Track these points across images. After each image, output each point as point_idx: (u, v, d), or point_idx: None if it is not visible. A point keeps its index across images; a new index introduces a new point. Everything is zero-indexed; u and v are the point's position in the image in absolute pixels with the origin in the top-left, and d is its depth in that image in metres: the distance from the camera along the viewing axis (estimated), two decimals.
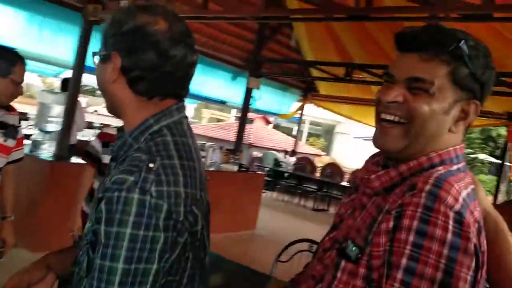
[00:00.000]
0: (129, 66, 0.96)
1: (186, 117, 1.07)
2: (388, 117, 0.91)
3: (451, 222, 0.77)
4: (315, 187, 11.04)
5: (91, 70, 7.59)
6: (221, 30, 9.56)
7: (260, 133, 17.34)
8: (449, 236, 0.76)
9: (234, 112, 25.87)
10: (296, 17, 4.71)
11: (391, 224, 0.82)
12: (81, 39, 5.82)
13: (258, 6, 4.20)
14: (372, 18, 3.79)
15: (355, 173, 1.10)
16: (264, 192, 9.41)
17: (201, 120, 30.45)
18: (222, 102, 12.59)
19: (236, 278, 2.81)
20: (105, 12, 5.69)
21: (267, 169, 11.41)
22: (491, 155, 18.58)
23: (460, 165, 0.92)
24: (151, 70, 0.96)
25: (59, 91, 6.54)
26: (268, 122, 20.67)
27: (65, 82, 6.11)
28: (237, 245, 6.33)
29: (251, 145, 14.19)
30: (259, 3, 4.04)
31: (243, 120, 8.45)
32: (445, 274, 0.75)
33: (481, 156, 19.06)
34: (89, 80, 11.08)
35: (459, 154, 0.93)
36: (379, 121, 0.93)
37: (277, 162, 12.03)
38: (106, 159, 2.69)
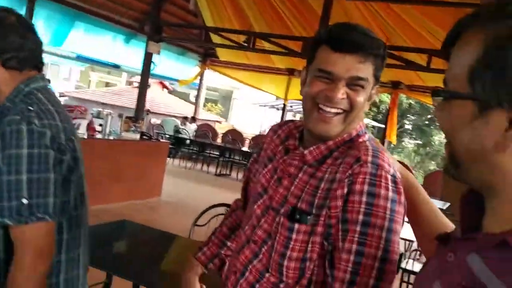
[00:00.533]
0: (1, 50, 1.25)
1: (50, 83, 1.41)
2: (333, 110, 1.07)
3: (390, 183, 1.00)
4: (217, 153, 11.16)
5: None
6: None
7: (157, 99, 16.84)
8: (390, 193, 1.00)
9: (125, 76, 24.66)
10: None
11: (345, 190, 1.01)
12: None
13: None
14: None
15: (258, 140, 1.22)
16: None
17: (89, 85, 28.51)
18: (116, 66, 11.93)
19: (143, 240, 2.82)
20: None
21: (168, 136, 11.21)
22: (374, 119, 20.31)
23: (367, 135, 1.14)
24: (19, 49, 1.26)
25: None
26: (165, 88, 20.10)
27: None
28: (143, 211, 6.26)
29: (149, 112, 13.75)
30: None
31: (143, 86, 8.12)
32: (389, 222, 0.99)
33: (366, 120, 20.72)
34: None
35: (363, 128, 1.15)
36: (318, 110, 1.08)
37: (177, 129, 11.86)
38: None
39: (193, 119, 12.52)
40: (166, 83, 18.72)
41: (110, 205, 6.15)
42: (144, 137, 7.32)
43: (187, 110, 15.20)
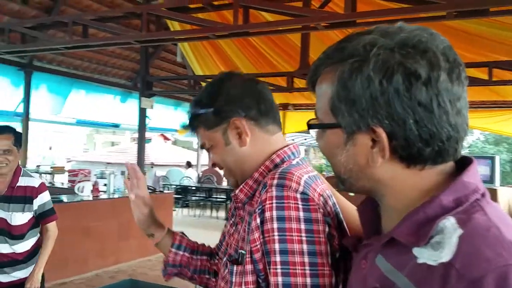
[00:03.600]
0: None
1: None
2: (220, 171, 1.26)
3: (299, 202, 0.93)
4: (223, 197, 11.18)
5: None
6: (103, 53, 9.35)
7: (160, 151, 17.10)
8: (301, 213, 0.92)
9: (128, 134, 25.11)
10: (180, 38, 4.83)
11: (258, 220, 0.95)
12: None
13: (138, 29, 4.25)
14: (252, 33, 4.06)
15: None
16: (174, 210, 9.36)
17: (95, 146, 29.01)
18: (115, 126, 12.25)
19: None
20: None
21: (174, 186, 11.34)
22: None
23: (298, 159, 1.11)
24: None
25: None
26: (166, 139, 20.44)
27: None
28: (157, 267, 6.27)
29: (153, 165, 13.95)
30: (138, 26, 4.09)
31: (141, 141, 8.33)
32: (308, 244, 0.91)
33: None
34: None
35: (294, 151, 1.13)
36: None
37: (183, 178, 12.00)
38: None
39: (188, 164, 12.63)
40: (168, 134, 19.06)
41: (123, 264, 6.20)
42: (148, 190, 7.43)
43: (192, 158, 15.40)
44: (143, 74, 8.26)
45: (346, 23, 3.92)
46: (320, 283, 0.90)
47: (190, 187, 11.29)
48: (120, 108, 10.89)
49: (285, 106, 10.62)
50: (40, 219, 2.68)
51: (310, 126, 0.80)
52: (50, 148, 22.09)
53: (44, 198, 2.66)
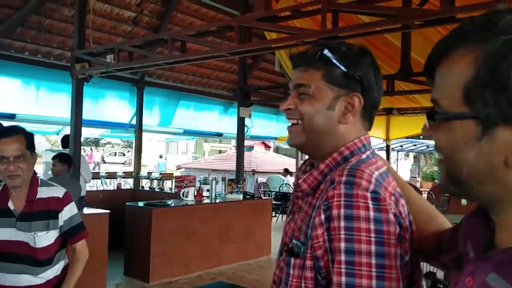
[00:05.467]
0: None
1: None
2: (290, 121, 1.10)
3: (370, 201, 0.89)
4: None
5: (88, 124, 7.85)
6: (206, 67, 9.89)
7: (261, 158, 17.48)
8: (371, 213, 0.89)
9: (233, 142, 26.12)
10: (275, 46, 4.93)
11: (322, 216, 0.93)
12: (73, 97, 6.06)
13: (235, 41, 4.43)
14: (341, 37, 4.01)
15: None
16: (274, 216, 9.50)
17: (203, 154, 30.63)
18: (219, 135, 12.86)
19: None
20: (92, 69, 5.95)
21: (274, 193, 11.52)
22: None
23: (368, 153, 1.06)
24: None
25: (60, 148, 6.75)
26: (267, 147, 20.87)
27: (65, 139, 6.31)
28: (254, 272, 6.41)
29: (254, 172, 14.31)
30: (235, 38, 4.28)
31: (239, 149, 8.64)
32: (377, 245, 0.87)
33: None
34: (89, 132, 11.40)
35: (365, 143, 1.07)
36: (288, 127, 1.12)
37: (283, 185, 12.14)
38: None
39: (286, 171, 12.66)
40: (268, 142, 19.44)
41: (223, 267, 6.44)
42: (247, 196, 7.66)
43: (292, 166, 15.51)
44: (241, 85, 8.57)
45: (443, 19, 3.67)
46: (386, 286, 0.87)
47: (289, 194, 11.36)
48: (223, 118, 11.44)
49: (388, 111, 10.22)
50: (68, 238, 2.13)
51: (432, 115, 0.69)
52: (161, 157, 23.79)
53: (71, 210, 2.12)
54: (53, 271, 2.09)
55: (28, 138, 2.05)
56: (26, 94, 7.83)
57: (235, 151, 9.45)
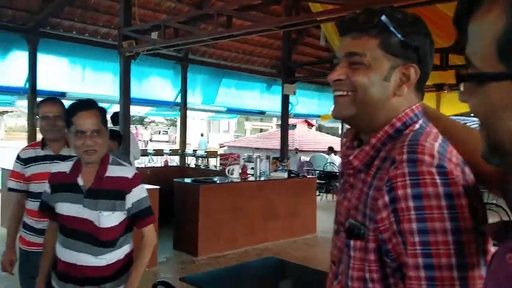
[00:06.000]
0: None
1: None
2: (338, 93, 1.02)
3: (437, 177, 0.85)
4: None
5: (134, 102, 7.96)
6: (248, 43, 9.77)
7: (304, 137, 17.32)
8: (440, 189, 0.84)
9: (275, 121, 26.03)
10: (321, 19, 4.75)
11: (386, 198, 0.88)
12: (121, 75, 6.13)
13: (281, 14, 4.29)
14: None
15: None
16: (318, 195, 9.40)
17: (245, 133, 30.77)
18: (261, 113, 12.79)
19: (303, 281, 2.82)
20: (139, 47, 5.98)
21: (318, 172, 11.39)
22: None
23: (421, 122, 0.99)
24: None
25: (111, 125, 6.88)
26: (310, 125, 20.62)
27: (114, 116, 6.42)
28: (300, 249, 6.39)
29: (297, 151, 14.21)
30: (281, 11, 4.14)
31: (284, 127, 8.53)
32: (451, 221, 0.83)
33: None
34: (136, 110, 11.64)
35: (416, 112, 1.00)
36: (334, 98, 1.04)
37: (327, 164, 11.98)
38: (64, 209, 1.97)
39: (331, 150, 12.41)
40: (311, 120, 19.19)
41: (269, 243, 6.47)
42: (292, 175, 7.60)
43: (336, 144, 15.28)
44: (285, 61, 8.41)
45: None
46: (468, 262, 0.83)
47: (333, 173, 11.20)
48: (265, 95, 11.34)
49: (439, 87, 9.78)
50: (136, 221, 2.01)
51: (462, 77, 0.63)
52: (202, 135, 24.07)
53: (140, 193, 2.00)
54: (116, 255, 1.97)
55: (103, 113, 1.99)
56: (73, 73, 8.03)
57: (277, 129, 9.34)
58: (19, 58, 7.34)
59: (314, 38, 9.87)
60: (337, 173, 11.34)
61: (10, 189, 2.52)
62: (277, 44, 10.03)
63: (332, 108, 1.06)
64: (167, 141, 31.76)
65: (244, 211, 6.28)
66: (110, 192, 1.94)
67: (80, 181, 1.95)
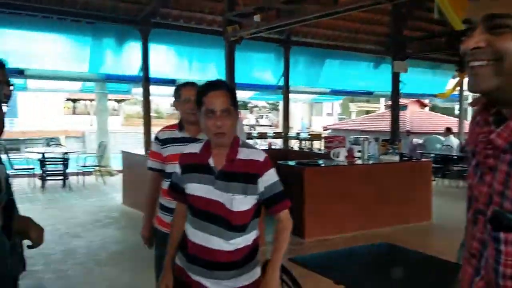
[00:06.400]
0: None
1: None
2: (477, 63, 0.87)
3: None
4: None
5: (240, 87, 8.10)
6: (354, 21, 9.29)
7: (416, 118, 16.29)
8: None
9: (383, 101, 24.92)
10: None
11: None
12: (227, 59, 6.21)
13: None
14: None
15: (466, 141, 0.96)
16: (433, 180, 8.76)
17: (350, 115, 29.99)
18: (368, 93, 12.26)
19: (420, 269, 2.58)
20: (243, 30, 5.98)
21: (433, 155, 10.58)
22: None
23: None
24: None
25: None
26: (423, 105, 19.28)
27: None
28: (414, 237, 6.00)
29: (409, 132, 13.40)
30: None
31: (395, 108, 8.03)
32: None
33: None
34: (239, 95, 11.93)
35: None
36: (469, 69, 0.90)
37: (443, 146, 11.07)
38: (195, 190, 1.93)
39: (448, 130, 11.36)
40: (425, 100, 17.95)
41: (379, 229, 6.19)
42: (404, 158, 7.15)
43: (453, 125, 14.12)
44: (395, 36, 7.85)
45: None
46: None
47: (450, 156, 10.33)
48: (373, 75, 10.80)
49: None
50: (270, 206, 1.96)
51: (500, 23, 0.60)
52: (302, 118, 23.93)
53: (273, 177, 1.95)
54: (245, 240, 1.91)
55: (233, 93, 1.91)
56: (181, 60, 8.38)
57: (385, 110, 8.85)
58: (132, 49, 7.85)
59: (425, 11, 9.08)
60: (455, 156, 10.45)
61: (149, 168, 2.62)
62: (384, 20, 9.42)
63: (469, 81, 0.91)
64: (270, 125, 32.25)
65: (351, 195, 6.07)
66: (242, 175, 1.88)
67: (211, 162, 1.91)
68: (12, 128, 24.46)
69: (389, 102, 19.92)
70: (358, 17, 9.13)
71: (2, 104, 1.89)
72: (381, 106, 26.08)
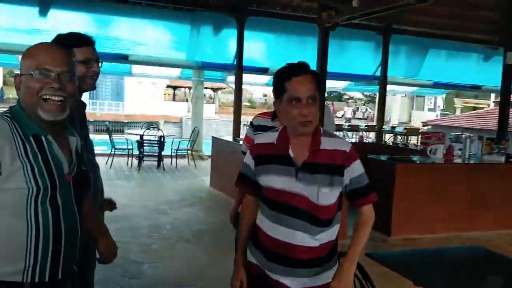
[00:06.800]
0: None
1: None
2: None
3: None
4: None
5: (331, 76, 7.88)
6: (460, 6, 8.45)
7: None
8: None
9: (493, 97, 22.87)
10: None
11: None
12: (319, 47, 6.06)
13: None
14: None
15: None
16: None
17: (454, 111, 27.97)
18: (476, 87, 11.28)
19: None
20: (338, 16, 5.78)
21: None
22: None
23: None
24: None
25: None
26: None
27: None
28: None
29: None
30: None
31: (504, 104, 7.27)
32: None
33: None
34: (333, 86, 11.68)
35: None
36: None
37: None
38: (273, 182, 1.79)
39: None
40: None
41: (475, 233, 5.73)
42: (511, 159, 6.47)
43: None
44: (507, 24, 7.07)
45: None
46: None
47: None
48: (482, 67, 9.92)
49: None
50: (356, 199, 1.83)
51: None
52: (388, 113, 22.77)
53: (359, 168, 1.80)
54: (328, 235, 1.79)
55: (318, 79, 1.78)
56: (276, 48, 8.37)
57: (495, 107, 8.05)
58: (228, 37, 8.01)
59: None
60: None
61: (243, 152, 2.64)
62: (496, 4, 8.51)
63: None
64: (365, 119, 31.23)
65: (446, 194, 5.65)
66: (327, 166, 1.74)
67: (291, 153, 1.77)
68: (118, 111, 26.57)
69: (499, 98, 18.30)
70: (466, 1, 8.34)
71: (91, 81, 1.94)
72: (491, 103, 23.98)
